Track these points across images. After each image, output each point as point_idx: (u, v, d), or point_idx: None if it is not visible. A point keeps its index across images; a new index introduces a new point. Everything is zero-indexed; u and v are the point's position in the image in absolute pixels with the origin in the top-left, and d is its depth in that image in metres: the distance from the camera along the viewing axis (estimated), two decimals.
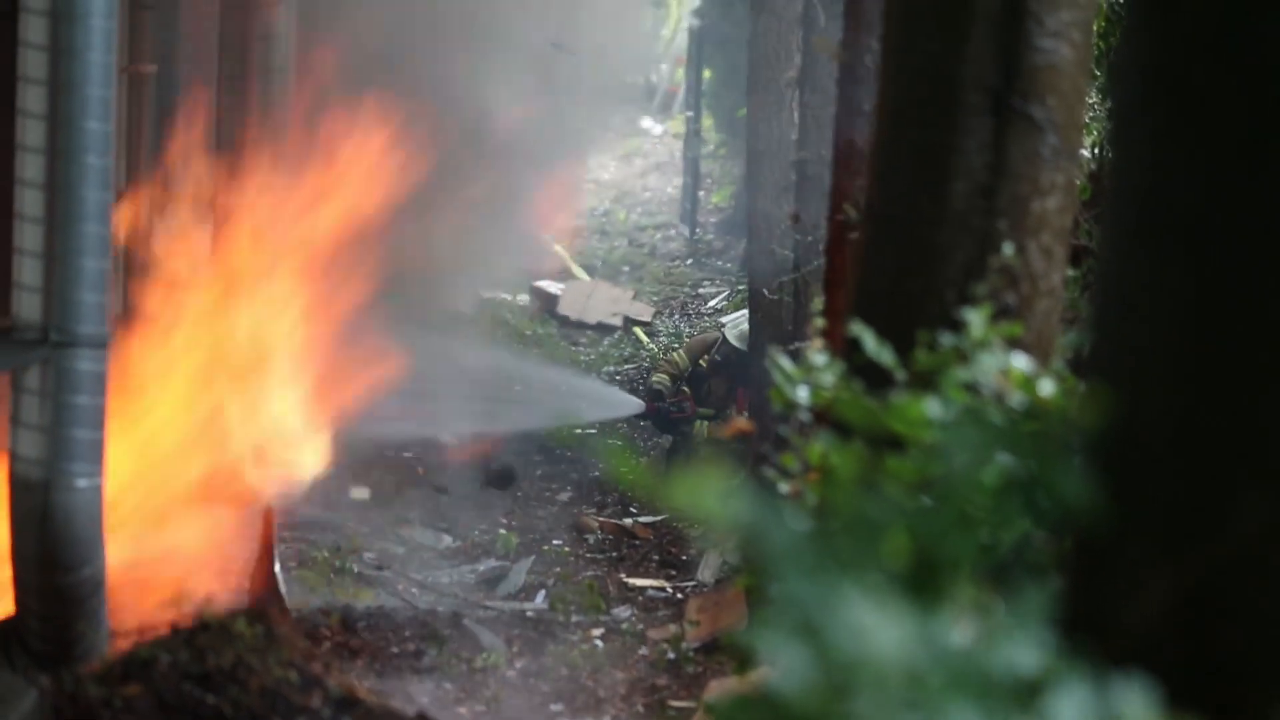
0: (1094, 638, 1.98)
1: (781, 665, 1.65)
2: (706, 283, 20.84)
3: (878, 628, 1.64)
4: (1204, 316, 2.13)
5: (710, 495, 1.68)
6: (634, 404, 15.07)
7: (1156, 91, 2.19)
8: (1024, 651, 1.75)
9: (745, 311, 16.04)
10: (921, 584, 1.77)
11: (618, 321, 19.08)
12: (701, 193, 23.64)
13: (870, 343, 3.36)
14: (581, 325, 19.01)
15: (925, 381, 3.18)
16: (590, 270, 20.86)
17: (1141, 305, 2.20)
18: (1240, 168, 2.11)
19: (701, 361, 15.00)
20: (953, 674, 1.66)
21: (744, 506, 1.71)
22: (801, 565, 1.67)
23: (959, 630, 1.79)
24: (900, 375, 3.32)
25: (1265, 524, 2.03)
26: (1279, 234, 2.06)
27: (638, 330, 18.78)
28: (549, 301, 19.31)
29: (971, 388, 3.14)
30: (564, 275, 20.29)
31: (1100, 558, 2.21)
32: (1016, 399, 3.13)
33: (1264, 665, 2.06)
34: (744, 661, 3.91)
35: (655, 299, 20.05)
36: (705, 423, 14.68)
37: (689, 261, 21.90)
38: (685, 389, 14.91)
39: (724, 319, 16.37)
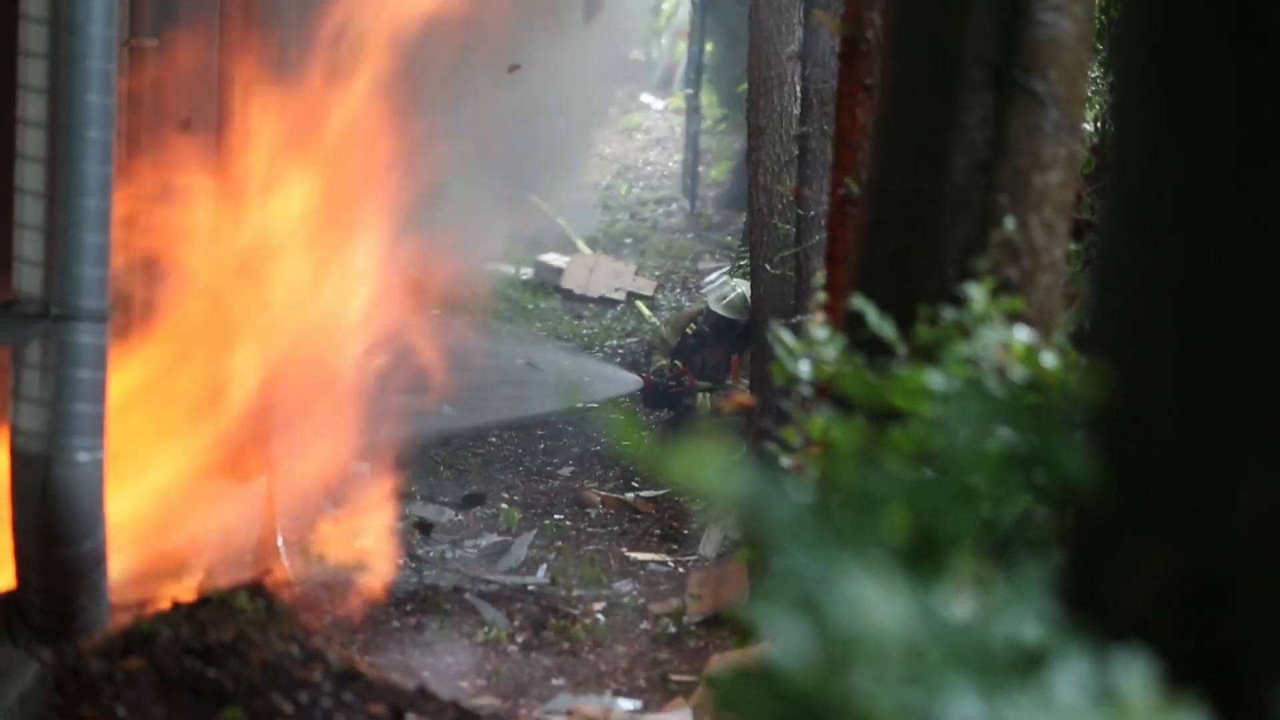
0: (1093, 615, 1.98)
1: (780, 640, 1.65)
2: (707, 256, 20.84)
3: (877, 602, 1.64)
4: (1205, 297, 2.13)
5: (709, 469, 1.68)
6: (635, 380, 15.09)
7: (1158, 68, 2.18)
8: (1023, 626, 1.75)
9: (726, 277, 16.05)
10: (922, 558, 1.76)
11: (620, 296, 19.09)
12: (701, 168, 23.64)
13: (872, 317, 3.36)
14: (584, 299, 19.03)
15: (927, 356, 3.18)
16: (592, 244, 20.87)
17: (1142, 285, 2.20)
18: (1243, 147, 2.10)
19: (689, 329, 15.03)
20: (952, 648, 1.66)
21: (743, 480, 1.71)
22: (801, 539, 1.67)
23: (959, 604, 1.79)
24: (901, 350, 3.32)
25: (1265, 506, 2.03)
26: None
27: (640, 304, 18.78)
28: (553, 275, 19.32)
29: (973, 362, 3.14)
30: (567, 249, 20.30)
31: (1100, 535, 2.21)
32: (1018, 373, 3.13)
33: (1263, 646, 2.06)
34: (746, 635, 3.92)
35: (657, 273, 20.05)
36: (706, 395, 14.69)
37: (690, 235, 21.91)
38: (679, 364, 14.93)
39: (706, 287, 16.35)
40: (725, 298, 14.97)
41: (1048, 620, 1.77)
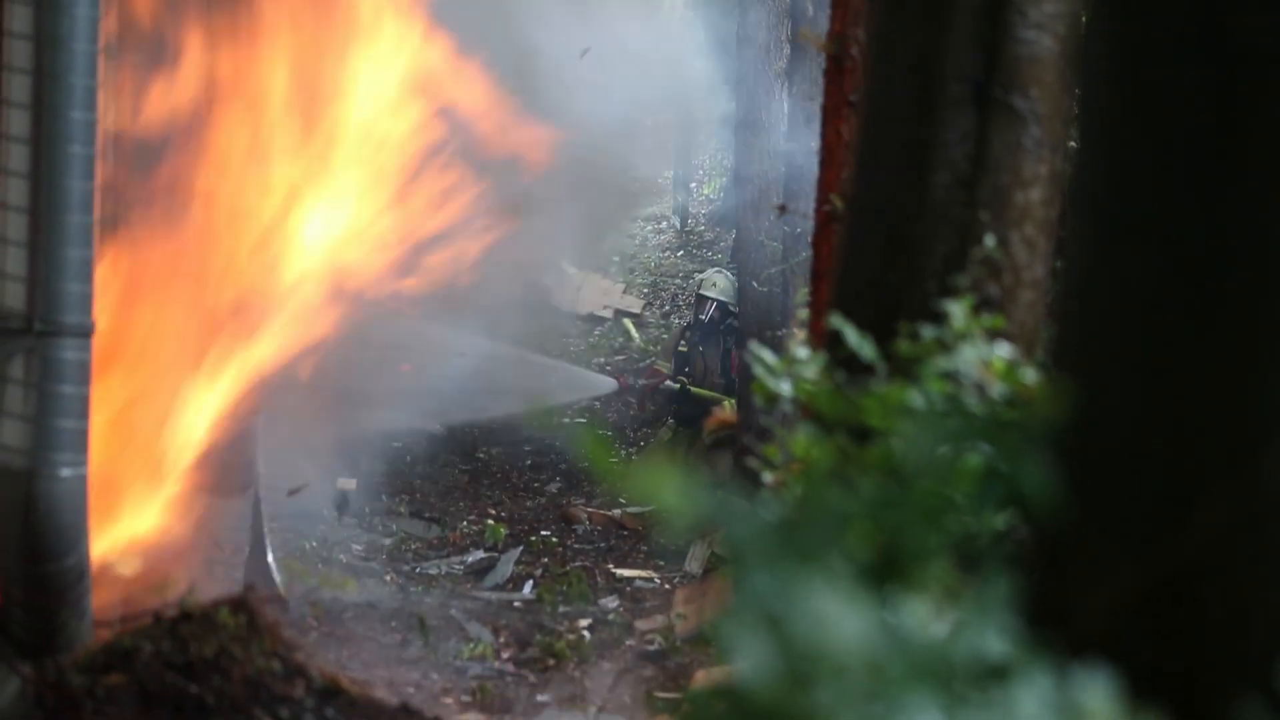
0: (1058, 629, 1.98)
1: (744, 657, 1.65)
2: (697, 274, 20.81)
3: (839, 618, 1.64)
4: (1166, 311, 2.13)
5: (669, 489, 1.68)
6: (609, 383, 15.00)
7: (1119, 86, 2.18)
8: (986, 641, 1.74)
9: (718, 269, 15.92)
10: (889, 574, 1.76)
11: (608, 313, 19.07)
12: (693, 184, 23.63)
13: (851, 336, 3.35)
14: (572, 316, 19.00)
15: (907, 372, 3.17)
16: (579, 261, 20.83)
17: (1105, 300, 2.20)
18: (1202, 163, 2.10)
19: (681, 347, 14.93)
20: (914, 663, 1.65)
21: (705, 500, 1.71)
22: (763, 557, 1.66)
23: (928, 620, 1.78)
24: (881, 367, 3.31)
25: (1226, 519, 2.02)
26: (1241, 229, 2.05)
27: (626, 322, 18.76)
28: (540, 292, 19.28)
29: (953, 378, 3.13)
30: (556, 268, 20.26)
31: (1063, 550, 2.20)
32: (998, 389, 3.12)
33: (1222, 658, 2.06)
34: (724, 652, 3.90)
35: (646, 290, 20.03)
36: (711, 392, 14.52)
37: (680, 253, 21.90)
38: (652, 365, 14.87)
39: (700, 278, 16.05)
40: (716, 284, 14.86)
41: (1011, 635, 1.76)
